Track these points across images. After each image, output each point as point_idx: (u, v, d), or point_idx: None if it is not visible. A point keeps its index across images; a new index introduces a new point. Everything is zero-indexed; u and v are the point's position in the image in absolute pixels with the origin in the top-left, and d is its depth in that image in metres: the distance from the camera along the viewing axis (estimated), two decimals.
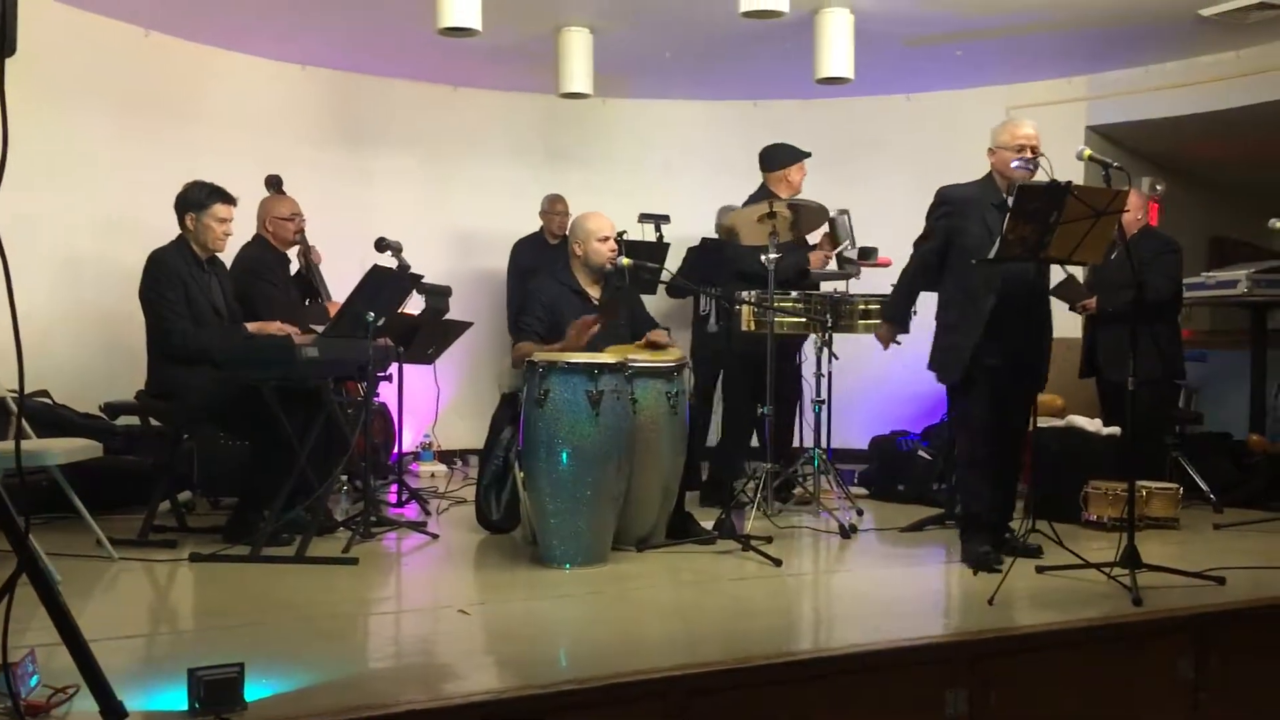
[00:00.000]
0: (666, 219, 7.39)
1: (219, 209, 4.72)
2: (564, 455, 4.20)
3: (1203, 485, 5.87)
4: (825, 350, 5.67)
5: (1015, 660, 3.32)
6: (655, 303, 7.46)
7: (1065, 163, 4.21)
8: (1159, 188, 7.46)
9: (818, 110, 7.86)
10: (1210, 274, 6.69)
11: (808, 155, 5.83)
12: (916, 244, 4.62)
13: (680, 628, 3.57)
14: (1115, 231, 4.15)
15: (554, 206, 7.49)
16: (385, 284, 4.72)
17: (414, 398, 6.43)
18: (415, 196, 7.84)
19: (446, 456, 7.50)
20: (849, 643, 3.29)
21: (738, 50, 7.04)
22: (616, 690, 2.79)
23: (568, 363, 4.26)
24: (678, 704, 2.84)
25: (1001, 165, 4.41)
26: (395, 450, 6.43)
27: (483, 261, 7.90)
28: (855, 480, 6.50)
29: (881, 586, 4.29)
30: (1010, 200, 4.21)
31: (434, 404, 6.54)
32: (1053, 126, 7.22)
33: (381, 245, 5.40)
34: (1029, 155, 4.31)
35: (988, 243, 4.17)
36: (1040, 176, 3.98)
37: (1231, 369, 6.79)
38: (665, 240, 7.29)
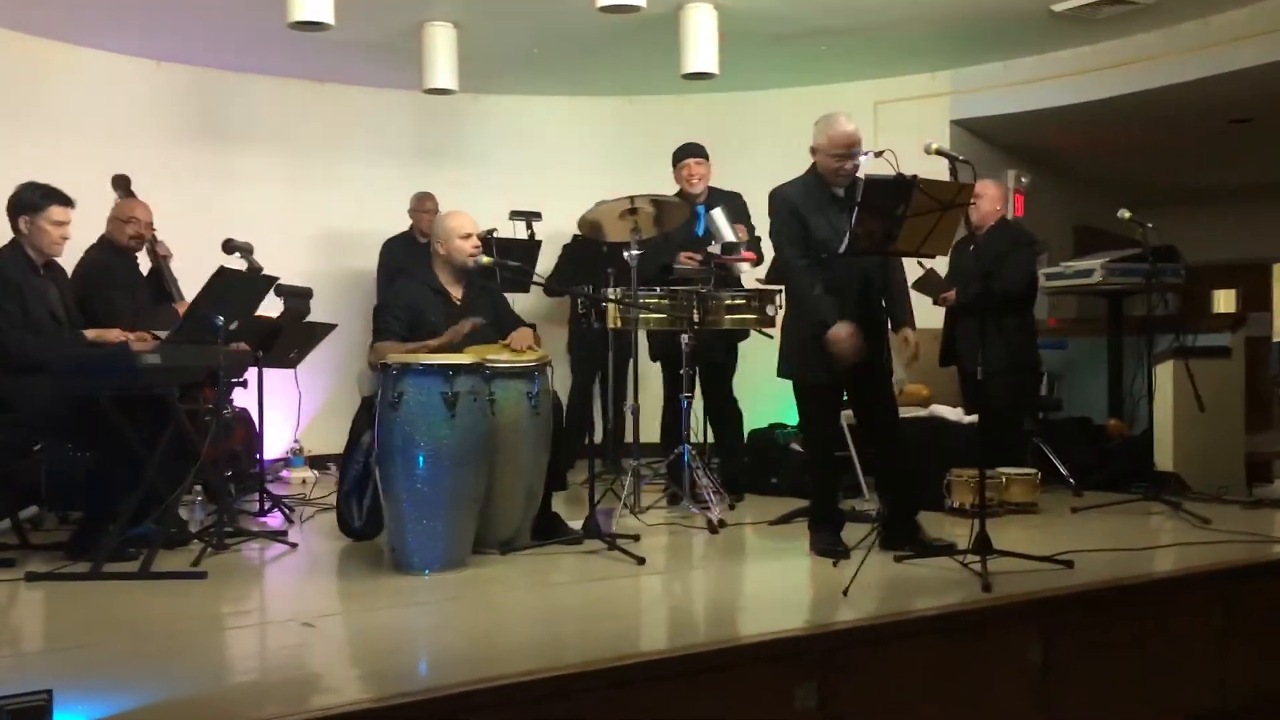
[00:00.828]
0: (538, 216, 7.31)
1: (55, 212, 4.49)
2: (420, 459, 4.11)
3: (1062, 470, 6.01)
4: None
5: (867, 651, 3.33)
6: (531, 300, 7.41)
7: (927, 156, 4.20)
8: (1024, 180, 7.65)
9: (690, 105, 7.87)
10: (1068, 264, 6.86)
11: (695, 155, 5.91)
12: (782, 247, 4.48)
13: (540, 631, 3.51)
14: (961, 224, 4.20)
15: (423, 205, 7.35)
16: (234, 287, 4.56)
17: (282, 403, 6.24)
18: (280, 196, 7.63)
19: (318, 461, 7.32)
20: (704, 640, 3.29)
21: (605, 46, 7.01)
22: (473, 697, 2.73)
23: (422, 364, 4.17)
24: (535, 708, 2.79)
25: (826, 167, 4.36)
26: (259, 457, 6.23)
27: (351, 262, 7.73)
28: None
29: (741, 581, 4.30)
30: (843, 194, 4.27)
31: (297, 409, 6.36)
32: (918, 120, 7.43)
33: (230, 247, 5.23)
34: (850, 159, 4.28)
35: (834, 237, 4.19)
36: (885, 170, 4.00)
37: (1090, 356, 6.98)
38: (537, 237, 7.21)
